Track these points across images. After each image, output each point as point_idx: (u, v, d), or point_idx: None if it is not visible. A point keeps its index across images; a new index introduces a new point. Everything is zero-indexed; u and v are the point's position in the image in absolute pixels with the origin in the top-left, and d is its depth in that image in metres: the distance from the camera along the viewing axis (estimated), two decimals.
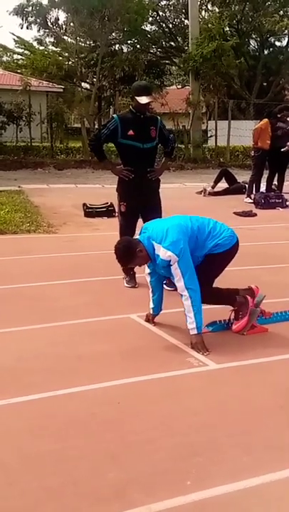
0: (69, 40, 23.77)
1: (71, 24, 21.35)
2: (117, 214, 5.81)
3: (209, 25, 19.74)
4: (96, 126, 19.65)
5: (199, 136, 20.51)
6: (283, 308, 4.50)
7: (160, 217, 4.85)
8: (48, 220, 8.35)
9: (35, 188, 12.32)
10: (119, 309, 4.68)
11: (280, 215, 9.68)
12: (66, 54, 24.19)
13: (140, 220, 5.17)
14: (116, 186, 5.45)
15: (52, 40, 24.97)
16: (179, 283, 3.79)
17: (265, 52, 28.73)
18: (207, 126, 24.35)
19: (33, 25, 22.14)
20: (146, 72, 23.93)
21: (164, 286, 4.41)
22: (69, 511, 2.28)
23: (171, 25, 27.92)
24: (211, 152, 20.61)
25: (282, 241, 7.44)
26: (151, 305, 4.30)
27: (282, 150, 10.71)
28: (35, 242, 7.19)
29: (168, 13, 27.82)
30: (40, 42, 26.75)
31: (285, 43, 27.97)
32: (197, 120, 20.20)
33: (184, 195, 11.21)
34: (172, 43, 28.30)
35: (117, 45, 23.98)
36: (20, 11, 21.68)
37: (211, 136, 21.71)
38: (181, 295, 3.81)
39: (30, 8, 21.59)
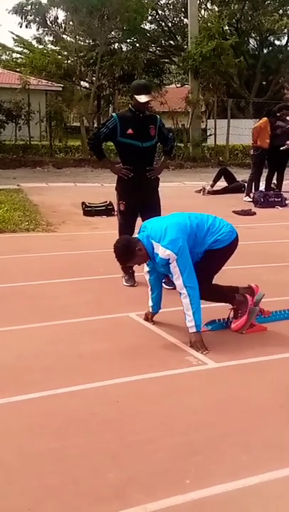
0: (68, 38, 23.75)
1: (70, 23, 21.32)
2: (116, 213, 5.81)
3: (209, 24, 19.74)
4: (95, 125, 19.65)
5: (198, 135, 20.51)
6: (283, 307, 4.50)
7: (159, 215, 4.85)
8: (46, 219, 8.35)
9: (34, 186, 12.31)
10: (118, 308, 4.68)
11: (279, 214, 9.69)
12: (65, 53, 24.16)
13: (139, 219, 5.17)
14: (115, 185, 5.45)
15: (51, 38, 24.98)
16: (178, 281, 3.80)
17: (265, 51, 28.69)
18: (206, 125, 24.35)
19: (32, 23, 22.11)
20: (145, 70, 23.88)
21: (163, 284, 4.42)
22: (69, 510, 2.28)
23: (170, 24, 27.89)
24: (211, 151, 20.61)
25: (281, 240, 7.44)
26: (150, 303, 4.30)
27: (281, 149, 10.70)
28: (34, 241, 7.18)
29: (167, 12, 27.79)
30: (39, 40, 26.72)
31: (284, 41, 27.97)
32: (196, 119, 20.19)
33: (183, 194, 11.21)
34: (171, 42, 28.27)
35: (117, 44, 23.95)
36: (19, 10, 21.64)
37: (210, 134, 21.69)
38: (180, 293, 3.81)
39: (29, 7, 21.54)
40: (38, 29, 23.37)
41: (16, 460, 2.60)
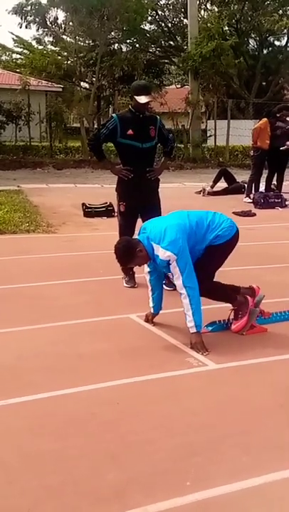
0: (68, 39, 23.80)
1: (70, 23, 21.36)
2: (116, 214, 5.81)
3: (208, 24, 19.74)
4: (95, 126, 19.67)
5: (198, 136, 20.52)
6: (284, 308, 4.50)
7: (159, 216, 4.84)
8: (47, 220, 8.35)
9: (35, 187, 12.32)
10: (118, 309, 4.68)
11: (279, 215, 9.69)
12: (65, 53, 24.20)
13: (140, 220, 5.17)
14: (115, 186, 5.45)
15: (51, 39, 25.03)
16: (178, 281, 3.80)
17: (265, 51, 28.70)
18: (206, 126, 24.36)
19: (32, 24, 22.14)
20: (145, 71, 23.92)
21: (164, 286, 4.42)
22: (69, 510, 2.28)
23: (170, 25, 27.92)
24: (210, 152, 20.62)
25: (282, 241, 7.44)
26: (151, 304, 4.29)
27: (281, 149, 10.71)
28: (35, 242, 7.19)
29: (167, 13, 27.82)
30: (39, 41, 26.78)
31: (284, 42, 28.00)
32: (196, 120, 20.20)
33: (183, 195, 11.20)
34: (171, 43, 28.30)
35: (116, 45, 24.00)
36: (19, 10, 21.66)
37: (210, 135, 21.71)
38: (180, 293, 3.81)
39: (29, 8, 21.57)
40: (37, 30, 23.45)
41: (16, 460, 2.60)
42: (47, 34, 24.12)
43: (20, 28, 22.28)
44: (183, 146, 19.29)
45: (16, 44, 27.50)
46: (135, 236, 4.33)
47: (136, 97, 5.11)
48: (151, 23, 27.26)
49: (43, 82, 22.25)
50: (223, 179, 12.12)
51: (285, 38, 27.37)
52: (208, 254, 4.03)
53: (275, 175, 11.30)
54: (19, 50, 27.84)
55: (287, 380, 3.45)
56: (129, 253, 3.98)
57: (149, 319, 4.32)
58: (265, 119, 11.04)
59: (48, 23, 22.26)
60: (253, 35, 28.34)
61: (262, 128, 10.79)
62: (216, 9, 24.68)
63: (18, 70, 24.37)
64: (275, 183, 11.32)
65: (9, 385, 3.32)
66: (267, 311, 4.34)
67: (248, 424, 2.94)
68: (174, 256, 3.76)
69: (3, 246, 6.93)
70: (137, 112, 5.17)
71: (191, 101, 19.37)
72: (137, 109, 5.16)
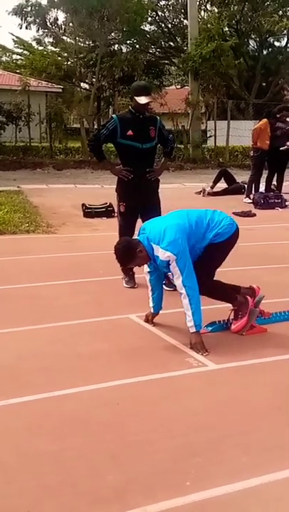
0: (68, 40, 23.80)
1: (70, 24, 21.37)
2: (116, 214, 5.81)
3: (208, 25, 19.76)
4: (95, 127, 19.66)
5: (198, 137, 20.52)
6: (284, 308, 4.50)
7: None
8: (47, 221, 8.35)
9: (35, 188, 12.32)
10: (118, 309, 4.68)
11: (279, 215, 9.69)
12: (65, 54, 24.20)
13: (139, 220, 5.17)
14: (115, 186, 5.45)
15: (51, 40, 25.01)
16: (178, 281, 3.80)
17: (264, 52, 28.70)
18: (206, 127, 24.37)
19: (32, 25, 22.15)
20: (145, 72, 23.91)
21: (164, 286, 4.41)
22: (67, 510, 2.28)
23: (170, 26, 27.93)
24: (210, 152, 20.61)
25: (282, 241, 7.44)
26: (151, 303, 4.29)
27: (281, 149, 10.71)
28: (34, 243, 7.18)
29: (167, 13, 27.83)
30: (39, 42, 26.79)
31: (284, 43, 27.99)
32: (196, 120, 20.21)
33: (183, 196, 11.20)
34: (171, 43, 28.32)
35: (116, 45, 23.99)
36: (19, 11, 21.67)
37: (210, 136, 21.71)
38: (180, 293, 3.81)
39: (29, 8, 21.58)
40: (37, 30, 23.46)
41: (15, 460, 2.59)
42: (47, 35, 24.14)
43: (21, 28, 22.38)
44: (183, 146, 19.29)
45: (16, 45, 27.53)
46: (135, 236, 4.33)
47: (136, 98, 5.11)
48: (151, 24, 27.28)
49: (43, 82, 22.26)
50: (223, 180, 12.12)
51: (285, 39, 27.40)
52: (209, 253, 4.02)
53: (275, 175, 11.30)
54: (19, 51, 27.87)
55: (287, 381, 3.45)
56: (129, 253, 3.97)
57: (149, 319, 4.32)
58: (265, 120, 11.04)
59: (48, 23, 22.28)
60: (253, 36, 28.34)
61: (262, 128, 10.80)
62: (216, 10, 24.67)
63: (18, 71, 24.40)
64: (275, 183, 11.32)
65: (8, 385, 3.32)
66: (267, 311, 4.34)
67: (248, 424, 2.94)
68: (174, 256, 3.76)
69: (3, 246, 6.92)
70: (137, 113, 5.17)
71: (191, 101, 19.37)
72: (137, 109, 5.16)
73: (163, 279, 4.35)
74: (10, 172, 15.46)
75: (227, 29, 24.47)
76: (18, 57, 27.99)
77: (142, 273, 4.38)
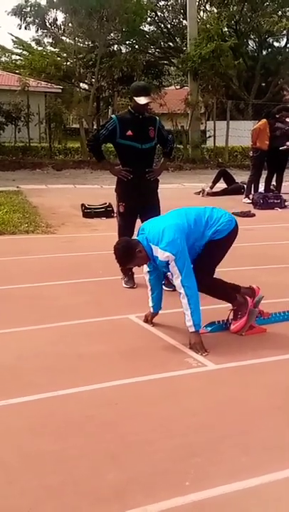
0: (67, 40, 23.83)
1: (69, 24, 21.41)
2: (115, 214, 5.81)
3: (208, 25, 19.75)
4: (95, 127, 19.66)
5: (198, 137, 20.53)
6: (283, 308, 4.51)
7: None
8: (46, 221, 8.35)
9: (34, 188, 12.32)
10: (117, 310, 4.69)
11: (278, 216, 9.70)
12: (64, 54, 24.20)
13: (139, 220, 5.17)
14: (114, 187, 5.46)
15: (50, 40, 25.07)
16: (177, 281, 3.81)
17: (264, 52, 28.71)
18: (206, 127, 24.35)
19: (31, 25, 22.23)
20: (144, 72, 23.91)
21: (163, 286, 4.42)
22: (69, 510, 2.29)
23: (169, 26, 27.93)
24: (210, 152, 20.61)
25: (281, 241, 7.45)
26: (151, 303, 4.29)
27: (280, 149, 10.72)
28: (34, 243, 7.19)
29: (166, 14, 27.84)
30: (38, 42, 26.80)
31: (283, 43, 28.01)
32: (196, 120, 20.21)
33: (182, 196, 11.19)
34: (171, 44, 28.31)
35: (116, 46, 23.99)
36: (18, 12, 21.71)
37: (209, 136, 21.72)
38: (179, 293, 3.82)
39: (28, 9, 21.64)
40: (37, 31, 23.52)
41: (16, 460, 2.60)
42: (46, 35, 24.20)
43: (20, 29, 22.41)
44: (182, 146, 19.29)
45: (16, 45, 27.48)
46: (134, 236, 4.33)
47: (135, 98, 5.11)
48: (150, 24, 27.28)
49: (43, 83, 22.26)
50: (222, 180, 12.12)
51: (285, 39, 27.43)
52: (208, 250, 4.03)
53: (275, 175, 11.31)
54: (18, 51, 27.83)
55: (286, 381, 3.46)
56: (128, 254, 3.98)
57: (149, 319, 4.32)
58: (264, 120, 11.05)
59: (48, 24, 22.33)
60: (252, 37, 28.35)
61: (261, 129, 10.81)
62: (215, 10, 24.67)
63: (17, 71, 24.38)
64: (275, 183, 11.33)
65: (9, 385, 3.33)
66: (266, 311, 4.35)
67: (247, 424, 2.95)
68: (173, 256, 3.77)
69: (3, 246, 6.93)
70: (137, 113, 5.17)
71: (191, 102, 19.38)
72: (137, 110, 5.16)
73: (162, 279, 4.36)
74: (9, 172, 15.46)
75: (226, 29, 24.44)
76: (18, 57, 27.96)
77: (142, 273, 4.38)
